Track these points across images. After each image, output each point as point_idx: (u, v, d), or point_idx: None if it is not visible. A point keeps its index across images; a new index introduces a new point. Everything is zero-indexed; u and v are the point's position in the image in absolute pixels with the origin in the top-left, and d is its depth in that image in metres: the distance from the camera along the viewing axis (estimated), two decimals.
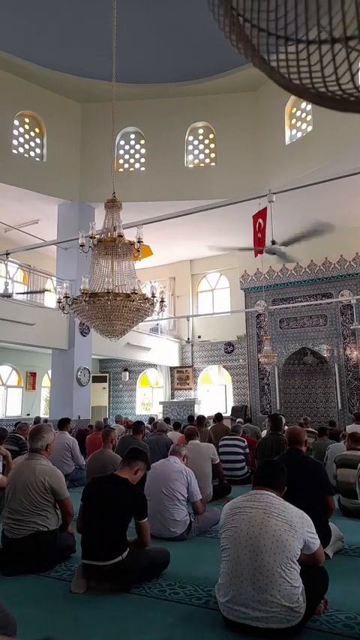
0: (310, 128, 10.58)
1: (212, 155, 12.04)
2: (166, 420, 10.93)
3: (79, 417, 10.61)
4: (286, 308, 13.66)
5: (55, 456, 6.30)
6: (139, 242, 4.59)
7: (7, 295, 9.45)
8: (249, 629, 2.37)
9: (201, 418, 8.58)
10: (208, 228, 12.47)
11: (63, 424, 7.39)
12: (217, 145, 11.95)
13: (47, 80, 10.96)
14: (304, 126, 10.85)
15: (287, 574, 2.36)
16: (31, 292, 11.28)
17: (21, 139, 11.15)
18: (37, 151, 11.43)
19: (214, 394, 15.66)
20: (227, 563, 2.51)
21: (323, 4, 0.93)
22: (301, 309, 13.58)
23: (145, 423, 10.49)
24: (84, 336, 11.17)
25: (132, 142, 12.28)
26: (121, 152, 12.21)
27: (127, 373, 16.54)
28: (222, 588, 2.52)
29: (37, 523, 3.45)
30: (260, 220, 7.89)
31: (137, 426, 6.85)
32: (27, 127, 11.32)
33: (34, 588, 3.17)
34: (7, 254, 8.01)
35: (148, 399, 16.97)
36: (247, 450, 7.06)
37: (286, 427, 7.38)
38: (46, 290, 12.03)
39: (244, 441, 7.15)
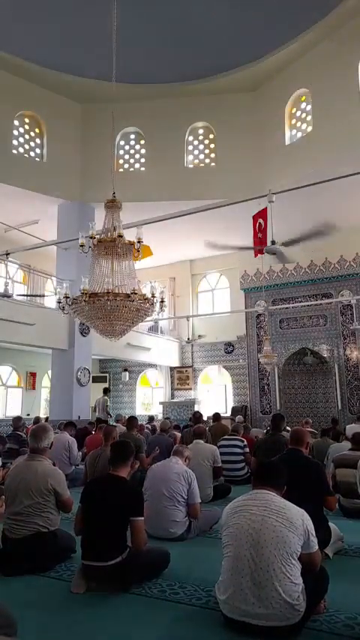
0: (310, 128, 10.57)
1: (212, 155, 12.03)
2: (167, 419, 10.93)
3: (79, 417, 10.61)
4: (286, 308, 13.65)
5: (56, 456, 6.32)
6: (139, 242, 4.59)
7: (7, 295, 9.45)
8: (249, 628, 2.37)
9: (198, 416, 8.57)
10: (208, 229, 12.46)
11: (68, 426, 7.47)
12: (217, 145, 11.94)
13: (47, 80, 10.95)
14: (304, 126, 10.85)
15: (287, 570, 2.36)
16: (32, 295, 11.28)
17: (21, 139, 11.15)
18: (37, 151, 11.42)
19: (214, 394, 15.65)
20: (228, 559, 2.51)
21: None
22: (301, 309, 13.58)
23: (144, 423, 10.51)
24: (84, 336, 11.17)
25: (132, 142, 12.27)
26: (121, 152, 12.20)
27: (127, 373, 16.54)
28: (222, 585, 2.53)
29: (38, 524, 3.44)
30: (260, 220, 7.91)
31: (130, 421, 6.86)
32: (27, 127, 11.31)
33: (34, 588, 3.17)
34: (7, 254, 8.01)
35: (148, 399, 16.98)
36: (247, 450, 7.05)
37: (287, 427, 7.41)
38: (45, 295, 12.04)
39: (243, 441, 7.14)
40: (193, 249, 15.04)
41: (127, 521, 3.10)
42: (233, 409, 14.08)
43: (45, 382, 14.73)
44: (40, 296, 11.50)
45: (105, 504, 3.14)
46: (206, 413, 11.57)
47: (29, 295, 11.31)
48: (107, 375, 16.93)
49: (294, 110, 11.10)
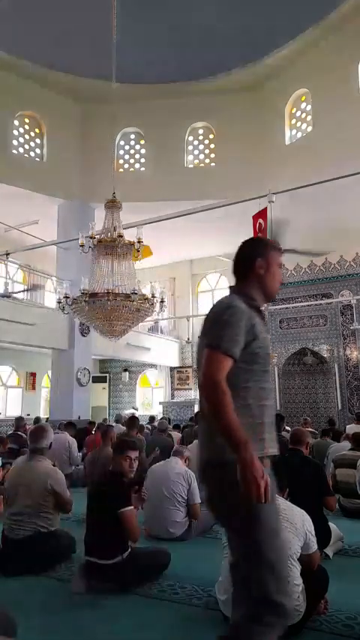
0: (310, 128, 10.57)
1: (212, 155, 12.02)
2: (167, 420, 10.92)
3: (79, 418, 10.61)
4: (286, 308, 13.65)
5: (56, 456, 6.32)
6: (139, 242, 4.60)
7: (7, 295, 9.44)
8: None
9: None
10: (208, 229, 12.46)
11: (68, 426, 7.46)
12: (217, 145, 11.93)
13: (47, 80, 10.95)
14: (304, 126, 10.85)
15: (288, 571, 2.35)
16: (27, 290, 11.22)
17: (21, 139, 11.15)
18: (37, 151, 11.42)
19: None
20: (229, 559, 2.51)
21: None
22: (301, 309, 13.57)
23: (145, 424, 10.51)
24: (84, 336, 11.16)
25: (132, 142, 12.26)
26: (121, 152, 12.20)
27: (127, 373, 16.53)
28: (222, 585, 2.52)
29: (38, 524, 3.44)
30: (261, 221, 7.88)
31: (130, 422, 6.86)
32: (27, 127, 11.31)
33: (34, 588, 3.17)
34: (7, 254, 8.02)
35: (148, 400, 16.97)
36: None
37: (287, 427, 7.40)
38: (42, 287, 11.97)
39: None
40: (193, 250, 15.03)
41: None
42: None
43: (45, 382, 14.73)
44: (38, 289, 11.42)
45: (103, 502, 3.16)
46: None
47: (28, 290, 11.25)
48: (107, 375, 16.92)
49: (294, 110, 11.10)
